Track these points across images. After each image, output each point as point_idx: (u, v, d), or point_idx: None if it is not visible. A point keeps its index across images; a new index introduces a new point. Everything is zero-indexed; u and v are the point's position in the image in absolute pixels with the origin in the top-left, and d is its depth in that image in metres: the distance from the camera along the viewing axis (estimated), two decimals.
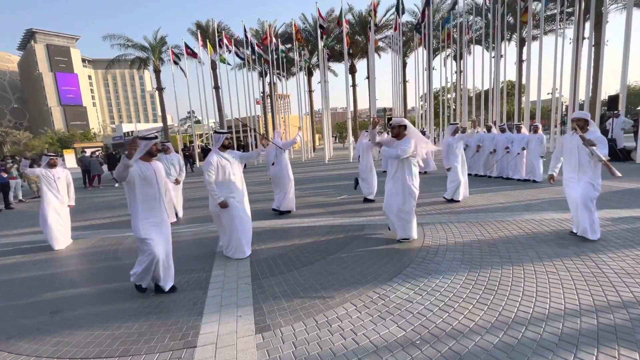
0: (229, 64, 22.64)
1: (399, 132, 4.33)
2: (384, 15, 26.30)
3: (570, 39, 14.94)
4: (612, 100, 11.21)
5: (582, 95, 14.03)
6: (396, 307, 2.74)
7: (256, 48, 21.37)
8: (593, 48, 15.88)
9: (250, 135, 23.54)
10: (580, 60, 13.90)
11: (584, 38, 14.74)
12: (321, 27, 18.43)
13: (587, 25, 15.58)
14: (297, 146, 28.55)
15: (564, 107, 22.12)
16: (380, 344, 2.28)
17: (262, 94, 30.15)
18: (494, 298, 2.79)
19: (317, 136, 45.45)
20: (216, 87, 26.25)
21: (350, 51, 23.00)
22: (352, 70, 29.63)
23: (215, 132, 4.30)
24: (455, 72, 22.38)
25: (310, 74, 31.07)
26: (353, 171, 13.45)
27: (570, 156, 4.15)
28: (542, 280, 3.05)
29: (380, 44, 27.89)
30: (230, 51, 21.53)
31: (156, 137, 3.22)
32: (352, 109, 26.08)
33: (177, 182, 6.87)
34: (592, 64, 14.11)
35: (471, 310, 2.62)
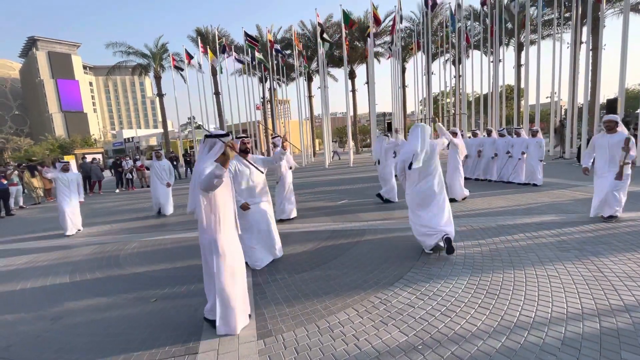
0: (220, 69, 22.72)
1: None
2: (384, 21, 26.51)
3: (568, 43, 15.06)
4: (611, 104, 11.27)
5: (580, 99, 14.10)
6: (398, 312, 2.74)
7: (256, 54, 21.51)
8: (591, 52, 15.95)
9: (250, 141, 23.63)
10: (579, 64, 13.99)
11: (581, 42, 14.86)
12: (320, 25, 18.52)
13: (585, 29, 15.70)
14: (297, 151, 28.64)
15: (562, 110, 22.21)
16: (382, 349, 2.27)
17: (262, 100, 30.32)
18: (496, 302, 2.78)
19: (317, 141, 45.57)
20: (216, 93, 26.41)
21: (349, 57, 23.14)
22: (352, 75, 29.80)
23: (237, 137, 4.01)
24: (454, 77, 22.51)
25: (310, 79, 31.24)
26: (353, 176, 13.46)
27: (602, 153, 4.85)
28: (543, 284, 3.04)
29: (379, 49, 28.08)
30: (230, 56, 21.68)
31: (228, 134, 2.60)
32: (352, 114, 26.19)
33: (167, 185, 8.13)
34: (590, 68, 14.19)
35: (473, 315, 2.61)
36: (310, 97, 31.19)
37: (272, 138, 6.71)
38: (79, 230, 7.12)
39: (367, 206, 7.19)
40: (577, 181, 8.15)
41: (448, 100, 24.05)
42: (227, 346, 2.47)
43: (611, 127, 4.78)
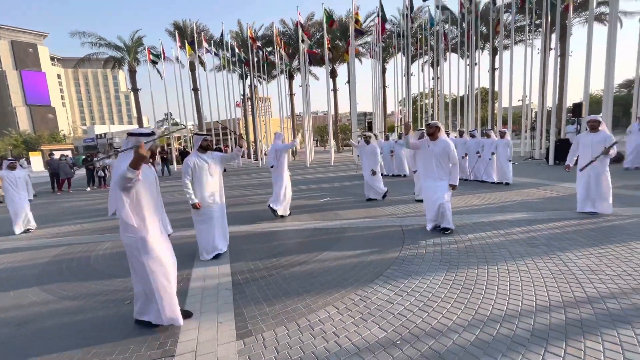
0: (201, 64, 22.22)
1: (434, 132, 4.78)
2: (364, 22, 26.76)
3: (538, 49, 15.81)
4: (576, 108, 11.93)
5: (549, 103, 14.83)
6: (377, 309, 2.78)
7: (236, 50, 21.15)
8: (559, 58, 16.84)
9: (231, 139, 23.20)
10: (548, 70, 14.71)
11: (550, 49, 15.62)
12: (301, 25, 18.48)
13: (554, 36, 16.52)
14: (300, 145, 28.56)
15: (533, 113, 23.27)
16: (362, 346, 2.31)
17: (242, 97, 29.84)
18: (471, 297, 2.88)
19: (298, 139, 45.37)
20: (195, 89, 25.74)
21: (331, 56, 23.21)
22: (333, 74, 29.90)
23: (195, 134, 4.39)
24: (433, 79, 23.07)
25: (291, 77, 31.07)
26: (334, 174, 13.54)
27: (585, 151, 5.22)
28: (515, 278, 3.19)
29: (360, 49, 28.33)
30: (209, 51, 21.20)
31: (153, 133, 2.61)
32: (333, 112, 26.28)
33: None
34: (558, 73, 14.95)
35: (449, 310, 2.70)
36: (291, 95, 31.03)
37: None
38: (29, 229, 6.95)
39: (348, 204, 7.25)
40: (546, 180, 8.58)
41: (427, 101, 24.63)
42: (205, 347, 2.42)
43: (594, 127, 5.16)
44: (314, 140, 45.29)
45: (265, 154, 26.40)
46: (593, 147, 5.10)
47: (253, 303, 3.05)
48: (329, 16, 17.23)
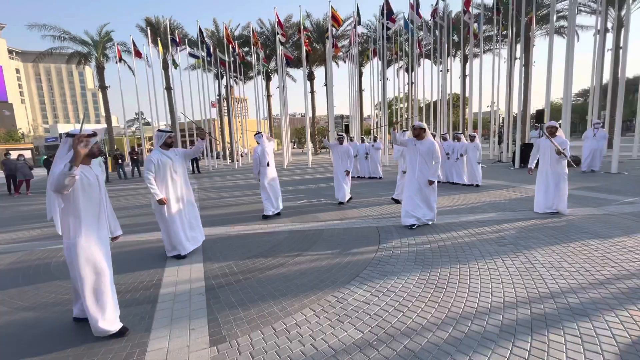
0: (174, 65, 21.56)
1: (419, 133, 5.23)
2: (341, 25, 27.06)
3: (505, 58, 16.68)
4: (539, 114, 12.69)
5: (515, 109, 15.66)
6: (354, 310, 2.79)
7: (211, 49, 20.70)
8: (523, 67, 17.85)
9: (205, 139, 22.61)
10: (514, 78, 15.54)
11: (516, 58, 16.52)
12: (280, 26, 18.40)
13: (519, 47, 17.48)
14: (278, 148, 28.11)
15: (500, 118, 24.48)
16: (338, 348, 2.30)
17: (218, 97, 29.23)
18: (444, 295, 2.96)
19: (275, 141, 45.08)
20: (168, 88, 24.89)
21: (308, 58, 23.26)
22: (311, 77, 29.99)
23: (158, 130, 4.30)
24: (407, 84, 23.70)
25: (268, 79, 30.83)
26: (312, 176, 13.54)
27: (544, 154, 5.64)
28: (485, 276, 3.31)
29: (337, 52, 28.58)
30: (184, 49, 20.60)
31: (95, 135, 2.59)
32: (310, 115, 26.32)
33: None
34: (523, 82, 15.84)
35: (424, 309, 2.75)
36: (268, 96, 30.77)
37: (255, 135, 6.64)
38: None
39: (325, 206, 7.26)
40: (513, 182, 9.04)
41: (402, 105, 25.25)
42: (176, 356, 2.32)
43: (552, 132, 5.52)
44: (291, 142, 45.16)
45: (241, 155, 25.99)
46: (552, 150, 5.48)
47: (227, 308, 2.96)
48: (305, 20, 17.30)
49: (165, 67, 24.36)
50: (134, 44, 20.03)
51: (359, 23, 19.17)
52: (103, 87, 24.67)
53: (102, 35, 24.28)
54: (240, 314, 2.83)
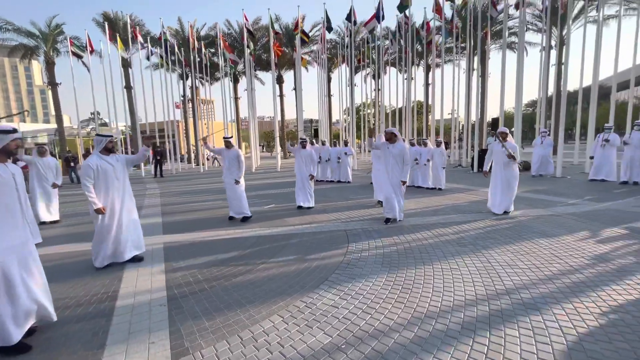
0: (127, 65, 20.50)
1: (391, 137, 5.76)
2: (310, 30, 27.31)
3: (464, 69, 17.75)
4: (494, 122, 13.62)
5: (473, 117, 16.67)
6: (322, 314, 2.78)
7: (175, 49, 19.94)
8: (480, 78, 19.10)
9: (169, 142, 21.64)
10: (472, 88, 16.57)
11: (473, 69, 17.65)
12: (249, 31, 18.18)
13: (476, 59, 18.69)
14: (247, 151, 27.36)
15: (460, 125, 25.94)
16: (307, 354, 2.27)
17: (182, 98, 28.16)
18: (410, 296, 3.05)
19: (243, 144, 44.22)
20: (128, 87, 23.53)
21: (277, 61, 23.16)
22: (280, 80, 29.87)
23: (97, 135, 4.09)
24: (374, 90, 24.39)
25: (236, 81, 30.26)
26: (281, 180, 13.42)
27: (497, 157, 6.04)
28: (447, 276, 3.46)
29: (306, 57, 28.78)
30: (144, 47, 19.62)
31: (15, 131, 2.48)
32: (279, 118, 26.17)
33: (54, 186, 6.87)
34: (480, 91, 16.94)
35: (391, 310, 2.81)
36: (236, 98, 30.18)
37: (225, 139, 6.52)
38: None
39: (295, 211, 7.22)
40: (472, 186, 9.58)
41: (369, 111, 25.90)
42: None
43: (504, 137, 5.92)
44: (260, 145, 44.53)
45: (207, 159, 25.16)
46: (503, 154, 5.91)
47: (191, 318, 2.82)
48: (271, 23, 17.25)
49: (125, 65, 23.05)
50: (89, 39, 18.73)
51: (328, 29, 19.44)
52: (53, 84, 22.76)
53: (51, 28, 22.44)
54: (205, 324, 2.71)
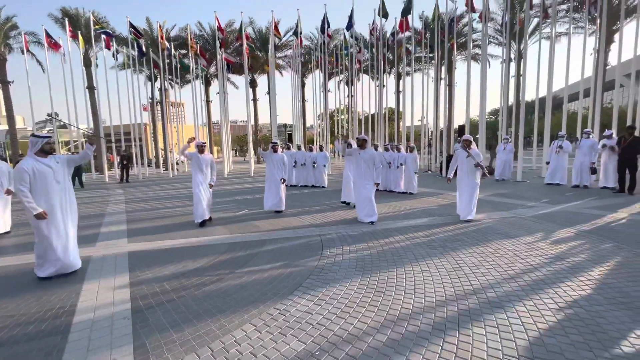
0: (88, 65, 19.50)
1: (362, 143, 6.25)
2: (284, 35, 27.33)
3: (432, 78, 18.52)
4: (461, 129, 14.31)
5: (441, 124, 17.39)
6: (296, 321, 2.75)
7: (143, 48, 19.17)
8: (447, 87, 20.00)
9: (135, 145, 20.65)
10: (440, 96, 17.31)
11: (441, 78, 18.46)
12: (221, 30, 17.88)
13: (443, 68, 19.56)
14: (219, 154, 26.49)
15: (429, 132, 26.94)
16: None
17: (150, 100, 27.08)
18: (383, 299, 3.09)
19: (215, 149, 43.15)
20: (90, 88, 22.23)
21: (250, 66, 22.94)
22: (253, 84, 29.56)
23: (32, 135, 3.84)
24: (347, 96, 24.79)
25: (207, 84, 29.55)
26: (254, 185, 13.22)
27: (462, 164, 6.11)
28: (418, 278, 3.54)
29: (280, 62, 28.75)
30: (109, 48, 18.66)
31: None
32: (253, 122, 25.83)
33: (7, 192, 6.40)
34: (447, 100, 17.73)
35: (364, 314, 2.83)
36: (207, 101, 29.44)
37: (190, 141, 6.55)
38: None
39: (268, 215, 7.12)
40: (441, 190, 9.95)
41: (342, 116, 26.26)
42: None
43: (467, 145, 6.03)
44: (232, 150, 43.65)
45: (177, 163, 24.27)
46: (468, 162, 6.02)
47: (158, 331, 2.68)
48: (242, 27, 17.15)
49: (87, 64, 21.81)
50: (48, 35, 17.53)
51: (301, 33, 19.57)
52: (4, 82, 21.03)
53: (2, 21, 20.80)
54: (173, 337, 2.59)
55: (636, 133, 8.59)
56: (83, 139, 19.68)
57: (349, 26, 18.22)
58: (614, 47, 16.81)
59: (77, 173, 14.33)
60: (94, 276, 3.93)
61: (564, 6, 17.21)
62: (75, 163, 4.14)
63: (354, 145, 6.57)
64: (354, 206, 6.87)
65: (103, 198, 10.89)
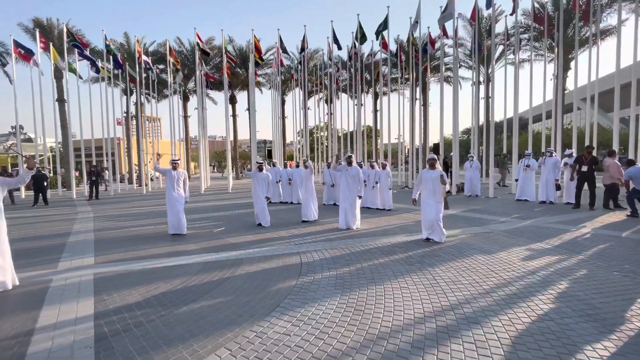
0: (80, 77, 18.93)
1: (350, 161, 7.29)
2: (265, 53, 27.73)
3: (407, 98, 19.27)
4: (435, 147, 14.86)
5: (417, 142, 17.98)
6: (274, 344, 2.65)
7: (119, 60, 18.79)
8: (422, 107, 20.86)
9: (107, 160, 19.82)
10: (415, 115, 17.99)
11: (416, 98, 19.24)
12: (202, 50, 17.88)
13: (418, 89, 20.47)
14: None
15: (406, 149, 27.74)
16: None
17: (125, 114, 26.34)
18: (362, 317, 3.05)
19: (192, 164, 42.19)
20: (60, 100, 21.35)
21: (230, 82, 22.99)
22: (233, 100, 29.53)
23: None
24: (327, 114, 25.23)
25: (186, 99, 29.23)
26: (231, 202, 12.95)
27: (427, 185, 5.78)
28: (397, 295, 3.54)
29: (260, 79, 29.00)
30: (84, 59, 18.13)
31: None
32: (232, 138, 25.62)
33: None
34: (422, 119, 18.45)
35: (343, 334, 2.77)
36: (185, 117, 29.03)
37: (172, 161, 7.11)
38: None
39: (245, 233, 6.96)
40: (418, 206, 10.13)
41: (322, 134, 26.59)
42: None
43: (432, 164, 5.76)
44: (210, 165, 42.87)
45: (151, 179, 23.46)
46: (432, 181, 5.66)
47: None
48: (224, 44, 17.24)
49: (58, 77, 21.02)
50: (15, 46, 16.82)
51: (284, 51, 19.92)
52: None
53: None
54: None
55: (594, 153, 9.25)
56: (50, 153, 18.65)
57: (339, 47, 18.88)
58: (570, 73, 18.28)
59: (41, 190, 13.46)
60: (54, 301, 3.64)
61: (526, 35, 18.64)
62: (10, 186, 4.14)
63: (343, 163, 7.46)
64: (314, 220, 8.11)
65: (69, 216, 10.27)
